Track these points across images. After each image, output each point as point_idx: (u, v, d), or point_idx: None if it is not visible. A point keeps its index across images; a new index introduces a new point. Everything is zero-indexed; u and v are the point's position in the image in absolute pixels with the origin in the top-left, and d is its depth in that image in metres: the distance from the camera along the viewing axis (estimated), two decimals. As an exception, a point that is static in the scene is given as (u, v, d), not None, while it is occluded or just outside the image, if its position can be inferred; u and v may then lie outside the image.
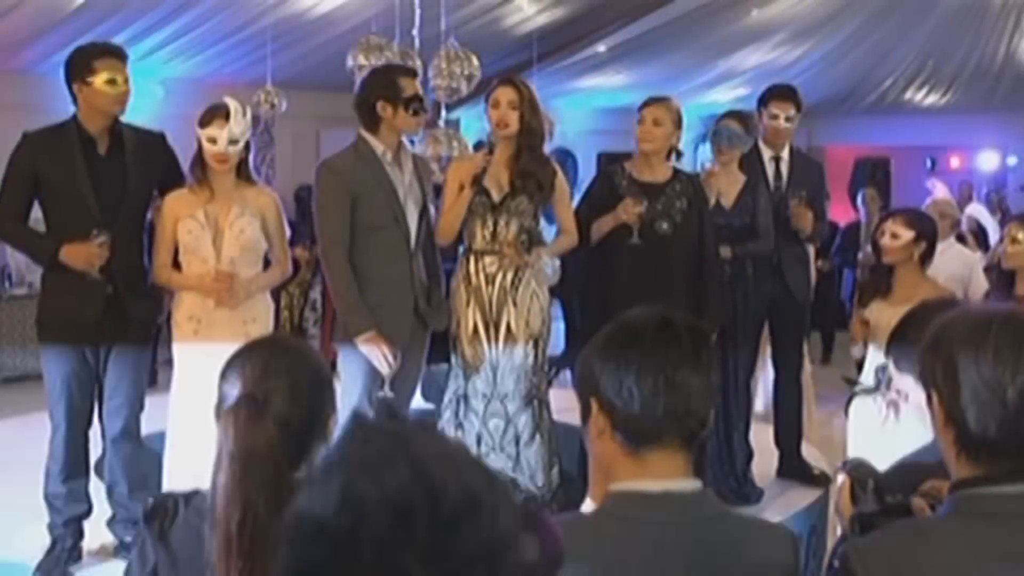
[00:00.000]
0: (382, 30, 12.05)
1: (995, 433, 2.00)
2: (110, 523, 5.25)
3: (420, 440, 1.29)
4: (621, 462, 2.19)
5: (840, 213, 13.98)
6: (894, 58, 15.78)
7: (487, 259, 5.31)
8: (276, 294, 10.34)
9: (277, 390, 2.34)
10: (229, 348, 4.85)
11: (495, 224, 5.29)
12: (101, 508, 5.23)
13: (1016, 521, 2.00)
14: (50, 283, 5.06)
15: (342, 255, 5.04)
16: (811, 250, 8.22)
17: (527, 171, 5.27)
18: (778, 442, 6.50)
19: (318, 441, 2.36)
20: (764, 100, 6.39)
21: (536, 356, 5.35)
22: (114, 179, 5.00)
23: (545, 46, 13.95)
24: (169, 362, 5.13)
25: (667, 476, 2.17)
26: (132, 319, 5.02)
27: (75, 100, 4.99)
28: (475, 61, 7.25)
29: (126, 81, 5.00)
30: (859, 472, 2.83)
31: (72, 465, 5.06)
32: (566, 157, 16.07)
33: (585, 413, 2.23)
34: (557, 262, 5.45)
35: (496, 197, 5.28)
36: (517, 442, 5.30)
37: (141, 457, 5.18)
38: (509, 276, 5.30)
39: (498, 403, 5.29)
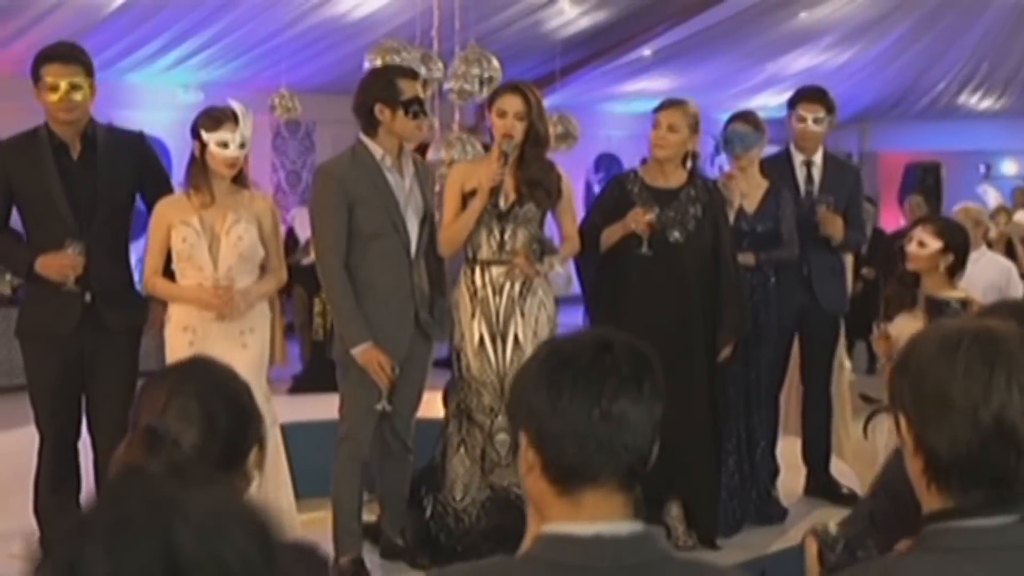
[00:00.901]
0: (421, 33, 11.93)
1: (967, 461, 1.80)
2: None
3: (192, 503, 1.06)
4: (552, 502, 1.95)
5: (892, 221, 13.61)
6: (946, 61, 15.38)
7: (495, 269, 5.07)
8: (310, 300, 10.27)
9: (185, 420, 2.08)
10: (226, 360, 4.74)
11: (502, 233, 5.06)
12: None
13: (992, 557, 1.79)
14: (28, 293, 4.93)
15: (338, 263, 4.83)
16: (848, 259, 7.92)
17: (534, 178, 5.03)
18: (806, 458, 6.22)
19: (237, 478, 2.11)
20: (793, 103, 6.11)
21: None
22: (87, 184, 4.84)
23: (589, 49, 13.73)
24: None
25: (602, 518, 1.93)
26: (111, 329, 4.85)
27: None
28: (496, 63, 7.00)
29: (74, 88, 4.76)
30: (827, 536, 2.66)
31: (59, 477, 4.90)
32: (611, 162, 15.82)
33: (516, 447, 1.99)
34: (571, 270, 5.19)
35: (503, 205, 5.05)
36: (524, 458, 5.05)
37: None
38: (517, 286, 5.07)
39: (504, 418, 5.05)
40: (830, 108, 6.02)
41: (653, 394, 1.94)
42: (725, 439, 5.55)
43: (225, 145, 4.74)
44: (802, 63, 14.74)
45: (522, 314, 5.06)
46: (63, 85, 4.74)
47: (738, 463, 5.72)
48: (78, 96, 4.77)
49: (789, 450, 6.28)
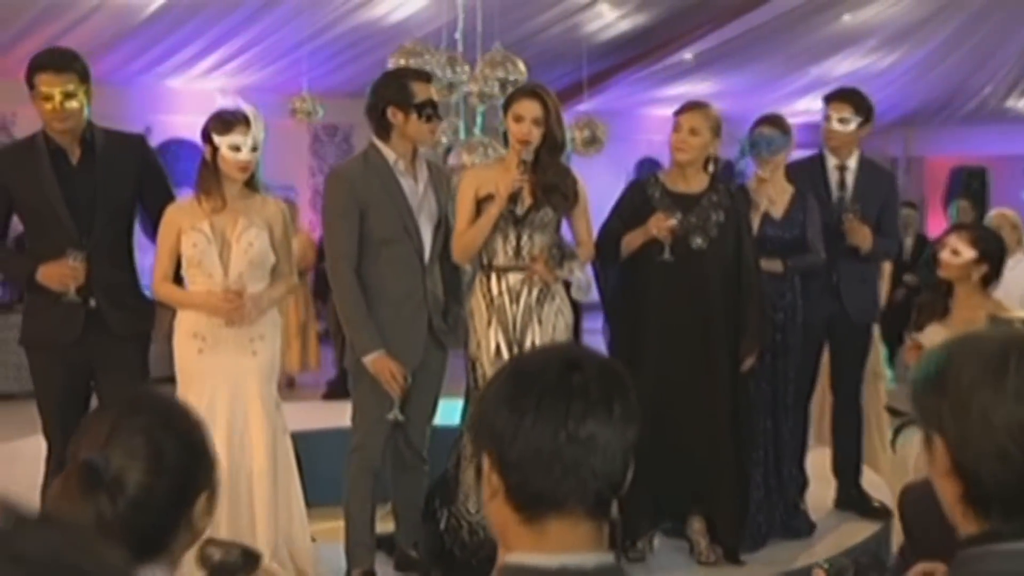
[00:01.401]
0: (456, 38, 11.82)
1: (1014, 488, 1.67)
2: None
3: (21, 543, 0.93)
4: (517, 531, 1.81)
5: (938, 226, 13.35)
6: (993, 64, 15.07)
7: (511, 276, 4.92)
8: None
9: (129, 456, 1.88)
10: (235, 368, 4.65)
11: (518, 239, 4.91)
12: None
13: None
14: (31, 303, 4.85)
15: (349, 269, 4.72)
16: (887, 266, 7.71)
17: (551, 183, 4.88)
18: (835, 470, 6.03)
19: (182, 528, 1.93)
20: (824, 103, 5.92)
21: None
22: (87, 189, 4.75)
23: (628, 53, 13.57)
24: (172, 380, 4.83)
25: (568, 548, 1.79)
26: (117, 334, 4.75)
27: None
28: (521, 66, 6.86)
29: (68, 96, 4.66)
30: (835, 565, 2.50)
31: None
32: (652, 166, 15.64)
33: (479, 469, 1.86)
34: (590, 276, 5.04)
35: (519, 211, 4.90)
36: (540, 470, 4.91)
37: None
38: (535, 293, 4.92)
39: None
40: (859, 109, 5.82)
41: (625, 416, 1.80)
42: (750, 451, 5.38)
43: (237, 148, 4.64)
44: (846, 66, 14.48)
45: (539, 322, 4.92)
46: (57, 94, 4.65)
47: (764, 476, 5.55)
48: (72, 104, 4.68)
49: (819, 461, 6.11)
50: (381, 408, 4.74)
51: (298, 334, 10.22)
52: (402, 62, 6.66)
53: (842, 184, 5.84)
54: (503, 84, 6.71)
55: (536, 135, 4.82)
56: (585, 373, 1.80)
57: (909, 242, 10.70)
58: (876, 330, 6.54)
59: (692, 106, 5.29)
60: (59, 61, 4.77)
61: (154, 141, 12.55)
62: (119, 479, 1.88)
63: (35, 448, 5.20)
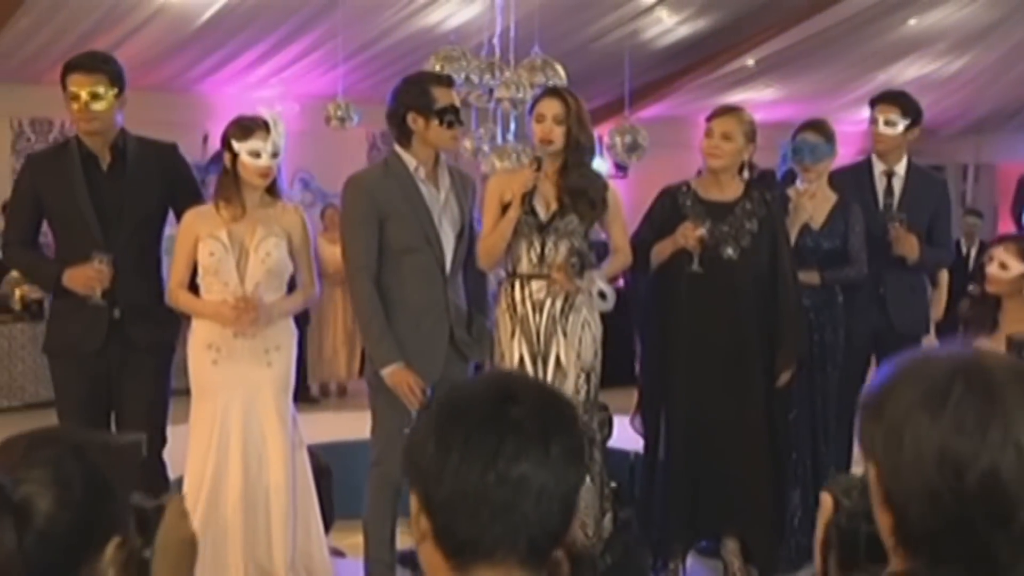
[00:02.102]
0: (516, 43, 11.68)
1: (944, 532, 1.49)
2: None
3: None
4: None
5: (1008, 234, 12.91)
6: (1068, 68, 14.62)
7: (534, 284, 4.76)
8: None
9: (38, 483, 1.73)
10: (250, 379, 4.54)
11: (543, 246, 4.75)
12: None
13: None
14: (55, 308, 4.79)
15: (368, 279, 4.59)
16: (943, 277, 7.43)
17: (577, 188, 4.71)
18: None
19: (86, 570, 1.74)
20: (870, 106, 5.69)
21: (588, 391, 4.79)
22: (116, 196, 4.68)
23: (688, 59, 13.34)
24: (187, 392, 4.73)
25: (500, 602, 1.62)
26: (138, 345, 4.67)
27: None
28: (561, 71, 6.69)
29: (94, 97, 4.63)
30: (841, 483, 2.25)
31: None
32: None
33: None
34: (610, 288, 4.85)
35: (544, 216, 4.74)
36: (563, 486, 4.73)
37: (160, 492, 4.79)
38: (559, 303, 4.75)
39: (543, 443, 4.73)
40: (907, 111, 5.58)
41: (566, 456, 1.62)
42: (787, 469, 5.17)
43: (257, 155, 4.54)
44: (913, 71, 14.11)
45: (564, 334, 4.75)
46: (84, 95, 4.62)
47: (803, 495, 5.33)
48: (98, 105, 4.63)
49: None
50: (400, 422, 4.59)
51: (346, 342, 10.13)
52: (438, 67, 6.53)
53: (889, 191, 5.61)
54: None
55: (557, 134, 4.67)
56: (522, 406, 1.63)
57: (973, 251, 10.37)
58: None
59: (724, 111, 5.11)
60: (89, 62, 4.74)
61: (211, 149, 12.63)
62: (26, 506, 1.75)
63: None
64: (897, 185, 5.62)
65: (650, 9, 11.99)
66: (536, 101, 4.83)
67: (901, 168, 5.64)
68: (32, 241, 4.85)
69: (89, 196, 4.67)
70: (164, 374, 4.78)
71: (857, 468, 5.74)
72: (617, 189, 4.94)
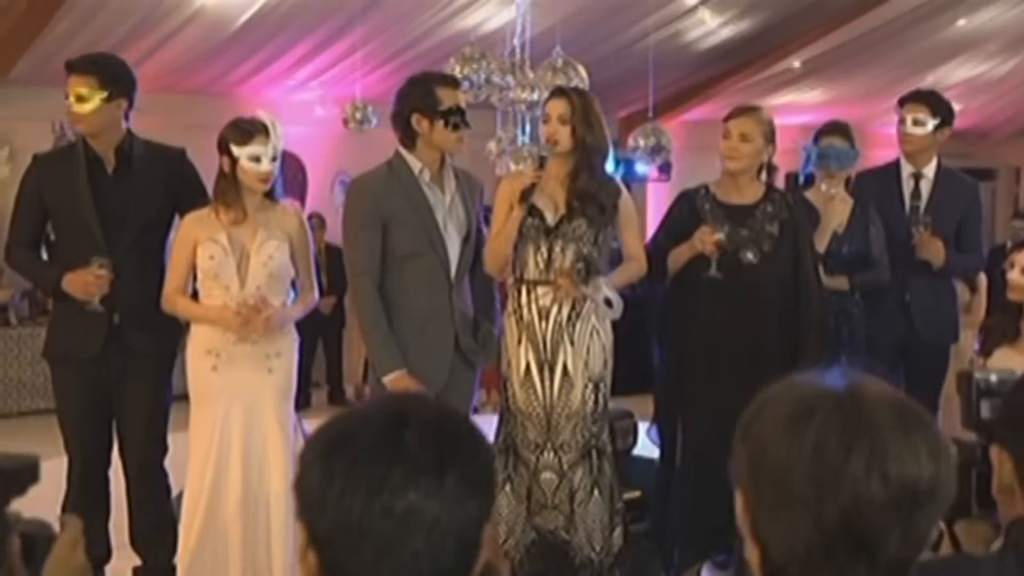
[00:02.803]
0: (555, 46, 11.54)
1: (805, 566, 1.42)
2: (138, 572, 4.81)
3: None
4: None
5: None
6: (1125, 68, 14.22)
7: (540, 290, 4.60)
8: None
9: None
10: (251, 385, 4.43)
11: (550, 251, 4.59)
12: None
13: None
14: (55, 313, 4.71)
15: (370, 284, 4.46)
16: (982, 282, 7.19)
17: (586, 192, 4.55)
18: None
19: None
20: (898, 105, 5.49)
21: (596, 401, 4.62)
22: (119, 201, 4.58)
23: (733, 61, 13.12)
24: (187, 398, 4.62)
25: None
26: (137, 352, 4.56)
27: None
28: (583, 73, 6.53)
29: (80, 99, 4.54)
30: None
31: (87, 505, 4.63)
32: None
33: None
34: (617, 296, 4.67)
35: (551, 220, 4.58)
36: (572, 499, 4.58)
37: (161, 500, 4.71)
38: (565, 310, 4.58)
39: (551, 454, 4.58)
40: (936, 110, 5.36)
41: (465, 487, 1.45)
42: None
43: (257, 160, 4.42)
44: (962, 73, 13.80)
45: (571, 342, 4.58)
46: (70, 95, 4.54)
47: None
48: (82, 107, 4.54)
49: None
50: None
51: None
52: (458, 68, 6.40)
53: (916, 194, 5.39)
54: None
55: (563, 134, 4.51)
56: (415, 431, 1.47)
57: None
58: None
59: (742, 111, 4.93)
60: (80, 63, 4.67)
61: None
62: None
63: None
64: (925, 188, 5.41)
65: (692, 10, 11.80)
66: (545, 102, 4.69)
67: (930, 170, 5.42)
68: (36, 243, 4.78)
69: (92, 200, 4.58)
70: (165, 381, 4.67)
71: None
72: (629, 195, 4.75)
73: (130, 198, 4.60)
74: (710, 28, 12.25)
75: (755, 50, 12.92)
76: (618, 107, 13.42)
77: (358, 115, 8.87)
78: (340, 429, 1.50)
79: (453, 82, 4.57)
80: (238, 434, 4.43)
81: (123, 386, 4.60)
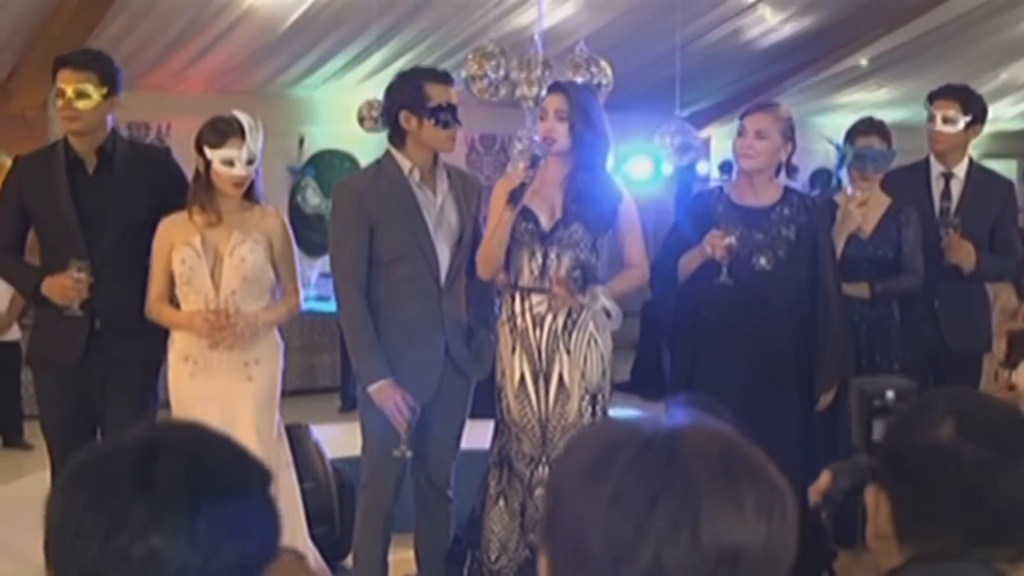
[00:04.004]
0: (609, 41, 11.23)
1: None
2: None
3: None
4: None
5: None
6: None
7: (535, 298, 4.31)
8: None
9: None
10: (229, 393, 4.21)
11: (545, 257, 4.29)
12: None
13: None
14: (37, 319, 4.53)
15: (355, 289, 4.21)
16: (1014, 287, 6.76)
17: (583, 194, 4.26)
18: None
19: None
20: (927, 102, 5.12)
21: (594, 413, 4.32)
22: (100, 202, 4.38)
23: (796, 59, 12.71)
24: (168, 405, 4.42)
25: None
26: (120, 359, 4.36)
27: None
28: (607, 68, 6.23)
29: (80, 95, 4.33)
30: (843, 466, 1.99)
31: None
32: (828, 178, 14.70)
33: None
34: (616, 306, 4.37)
35: (546, 224, 4.30)
36: (568, 516, 4.29)
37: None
38: (561, 319, 4.29)
39: (546, 469, 4.29)
40: (968, 107, 4.98)
41: (223, 530, 1.23)
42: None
43: (231, 163, 4.19)
44: (1038, 69, 13.27)
45: (567, 351, 4.28)
46: (69, 91, 4.33)
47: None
48: (84, 104, 4.34)
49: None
50: (389, 443, 4.22)
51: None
52: (475, 65, 6.14)
53: (946, 194, 5.03)
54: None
55: (560, 132, 4.22)
56: (165, 463, 1.24)
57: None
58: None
59: (759, 107, 4.61)
60: (79, 58, 4.48)
61: (306, 153, 12.46)
62: None
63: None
64: (956, 188, 5.04)
65: (752, 7, 11.43)
66: (544, 97, 4.42)
67: (961, 169, 5.05)
68: (17, 246, 4.58)
69: (72, 201, 4.38)
70: (149, 389, 4.46)
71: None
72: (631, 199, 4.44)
73: (111, 200, 4.40)
74: (771, 25, 11.87)
75: (819, 48, 12.51)
76: (679, 107, 13.09)
77: (375, 115, 8.62)
78: (86, 458, 1.28)
79: (444, 78, 4.31)
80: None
81: (106, 393, 4.40)
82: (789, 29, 12.02)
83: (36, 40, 10.02)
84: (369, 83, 12.16)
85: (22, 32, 9.88)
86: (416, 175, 4.26)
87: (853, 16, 11.90)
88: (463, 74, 6.65)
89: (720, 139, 13.87)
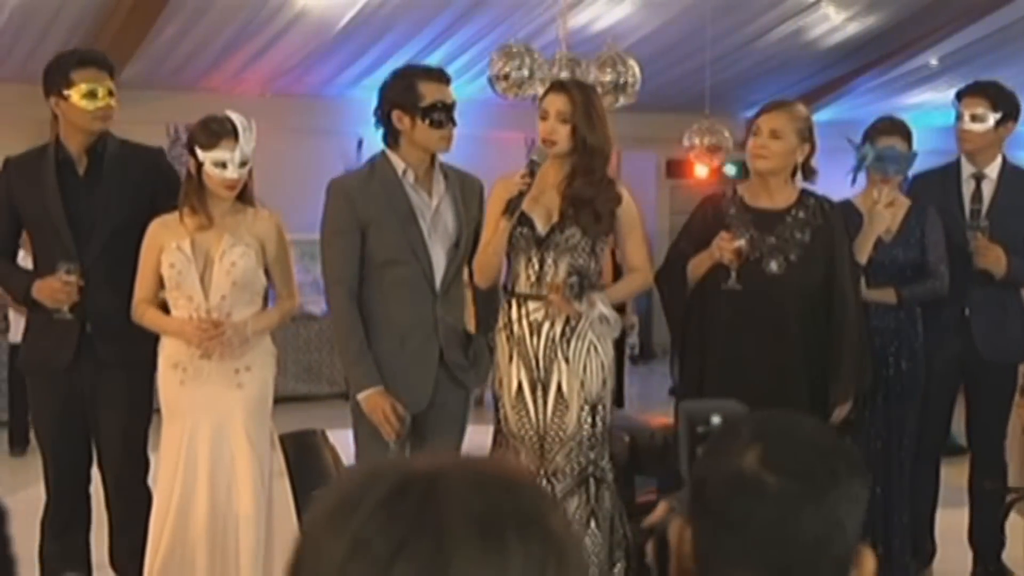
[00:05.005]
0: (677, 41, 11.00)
1: None
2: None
3: None
4: None
5: None
6: None
7: (531, 305, 4.11)
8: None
9: None
10: (219, 401, 4.08)
11: (541, 262, 4.09)
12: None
13: None
14: (31, 322, 4.42)
15: (345, 294, 4.05)
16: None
17: (581, 197, 4.04)
18: (971, 541, 4.91)
19: None
20: (955, 99, 4.85)
21: (594, 424, 4.11)
22: (90, 203, 4.27)
23: (862, 59, 12.33)
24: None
25: None
26: (111, 363, 4.25)
27: (56, 117, 4.31)
28: (635, 67, 6.00)
29: (110, 93, 4.24)
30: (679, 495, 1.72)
31: (64, 522, 4.36)
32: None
33: None
34: (613, 312, 4.15)
35: (542, 229, 4.09)
36: (566, 530, 4.09)
37: (139, 520, 4.38)
38: (558, 326, 4.08)
39: (544, 482, 4.09)
40: (998, 104, 4.71)
41: None
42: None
43: (223, 165, 4.03)
44: (1119, 66, 12.71)
45: (566, 360, 4.07)
46: (102, 91, 4.22)
47: (872, 544, 4.53)
48: (115, 102, 4.27)
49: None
50: (380, 453, 4.06)
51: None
52: (500, 64, 5.94)
53: (977, 196, 4.74)
54: (615, 87, 5.85)
55: (561, 134, 4.02)
56: None
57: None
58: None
59: (774, 105, 4.36)
60: (100, 57, 4.40)
61: (365, 154, 12.36)
62: None
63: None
64: (987, 189, 4.75)
65: (814, 5, 11.10)
66: (543, 96, 4.21)
67: (993, 170, 4.76)
68: (10, 249, 4.50)
69: (62, 203, 4.27)
70: (141, 394, 4.33)
71: (941, 512, 4.90)
72: (632, 201, 4.22)
73: (100, 201, 4.28)
74: (835, 24, 11.52)
75: (885, 47, 12.12)
76: (744, 107, 12.79)
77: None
78: None
79: (438, 76, 4.12)
80: (205, 452, 4.08)
81: (97, 398, 4.29)
82: (853, 28, 11.66)
83: (93, 44, 10.03)
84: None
85: (78, 38, 9.90)
86: (411, 176, 4.09)
87: (920, 14, 11.51)
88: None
89: (689, 137, 13.52)
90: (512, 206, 3.95)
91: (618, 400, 10.28)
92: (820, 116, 13.12)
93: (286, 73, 11.14)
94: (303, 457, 5.37)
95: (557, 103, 4.05)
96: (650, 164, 14.11)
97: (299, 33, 10.46)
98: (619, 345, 9.91)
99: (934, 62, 12.49)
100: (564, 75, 6.11)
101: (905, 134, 4.63)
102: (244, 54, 10.83)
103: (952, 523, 4.95)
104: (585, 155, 4.03)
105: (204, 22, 10.09)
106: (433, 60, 11.47)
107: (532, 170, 3.98)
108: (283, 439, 5.46)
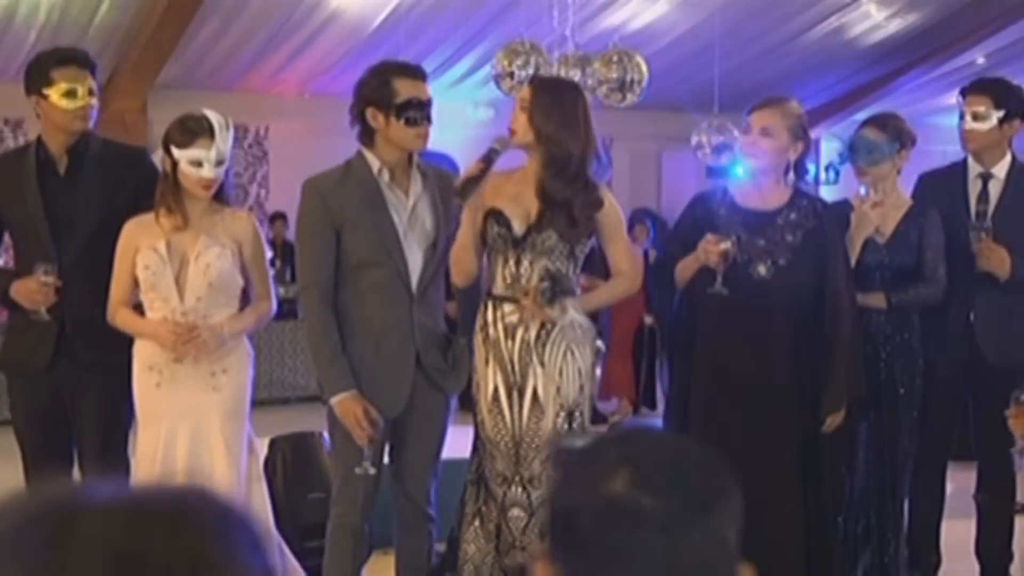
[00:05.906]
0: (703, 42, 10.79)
1: None
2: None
3: None
4: None
5: None
6: None
7: (507, 307, 3.96)
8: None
9: None
10: (195, 404, 3.98)
11: (517, 264, 3.93)
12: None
13: None
14: (10, 322, 4.35)
15: (318, 296, 3.92)
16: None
17: (555, 199, 3.87)
18: (978, 555, 4.68)
19: None
20: (960, 97, 4.63)
21: (570, 431, 3.96)
22: (70, 204, 4.17)
23: (905, 57, 12.03)
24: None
25: None
26: (89, 365, 4.15)
27: (38, 116, 4.22)
28: (642, 65, 5.81)
29: (90, 93, 4.13)
30: None
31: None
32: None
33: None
34: (586, 319, 3.98)
35: (519, 229, 3.93)
36: (542, 539, 3.92)
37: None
38: (533, 329, 3.90)
39: (519, 488, 3.94)
40: (1001, 101, 4.47)
41: None
42: (835, 531, 4.18)
43: (199, 164, 3.92)
44: None
45: (542, 364, 3.91)
46: (82, 90, 4.12)
47: (871, 557, 4.34)
48: (95, 101, 4.17)
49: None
50: (355, 458, 3.92)
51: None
52: (505, 62, 5.79)
53: (983, 196, 4.51)
54: (621, 85, 5.67)
55: (520, 123, 3.85)
56: None
57: None
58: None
59: (766, 102, 4.18)
60: (82, 56, 4.27)
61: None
62: None
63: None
64: (994, 189, 4.52)
65: (854, 3, 10.84)
66: None
67: (1000, 169, 4.53)
68: None
69: (42, 203, 4.17)
70: (120, 396, 4.21)
71: (946, 524, 4.67)
72: (616, 204, 4.04)
73: (80, 201, 4.19)
74: (876, 21, 11.24)
75: (930, 44, 11.82)
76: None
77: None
78: None
79: (414, 72, 3.98)
80: (183, 456, 3.98)
81: (76, 400, 4.20)
82: (895, 25, 11.38)
83: (131, 45, 10.04)
84: (465, 84, 11.94)
85: (116, 39, 9.90)
86: (386, 175, 3.96)
87: (965, 9, 11.21)
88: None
89: (828, 140, 13.27)
90: (464, 192, 3.79)
91: (650, 401, 10.14)
92: (862, 116, 12.87)
93: (324, 73, 11.07)
94: (301, 459, 5.27)
95: (523, 93, 3.93)
96: (691, 164, 13.88)
97: (335, 33, 10.40)
98: (652, 345, 9.79)
99: (981, 60, 12.15)
100: (573, 73, 5.94)
101: (880, 124, 4.41)
102: (281, 55, 10.79)
103: (960, 535, 4.72)
104: (550, 150, 3.86)
105: (239, 23, 10.06)
106: (468, 60, 11.40)
107: (490, 157, 3.82)
108: (281, 441, 5.37)
